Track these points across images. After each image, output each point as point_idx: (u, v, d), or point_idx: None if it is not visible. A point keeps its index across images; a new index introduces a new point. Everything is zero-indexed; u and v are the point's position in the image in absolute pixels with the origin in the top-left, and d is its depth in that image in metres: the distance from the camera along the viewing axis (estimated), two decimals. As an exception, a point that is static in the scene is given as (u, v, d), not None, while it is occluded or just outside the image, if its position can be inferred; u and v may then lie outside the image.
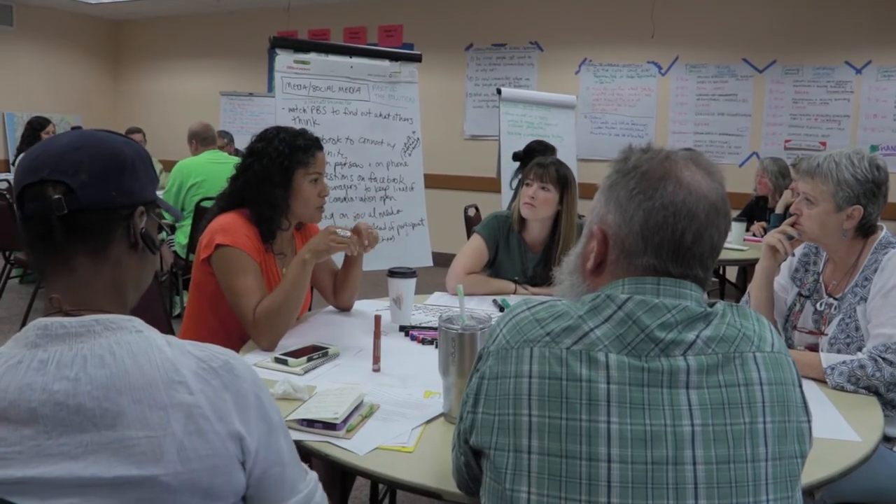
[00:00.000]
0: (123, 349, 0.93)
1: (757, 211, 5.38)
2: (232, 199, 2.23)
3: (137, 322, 0.99)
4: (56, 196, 0.96)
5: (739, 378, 0.97)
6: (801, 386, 1.05)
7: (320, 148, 2.26)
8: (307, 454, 1.44)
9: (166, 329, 2.32)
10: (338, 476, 2.03)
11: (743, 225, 4.62)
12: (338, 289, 2.43)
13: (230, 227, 2.11)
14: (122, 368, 0.91)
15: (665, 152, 1.07)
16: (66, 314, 0.96)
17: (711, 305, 1.03)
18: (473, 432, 1.04)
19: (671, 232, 1.01)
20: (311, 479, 1.11)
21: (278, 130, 2.25)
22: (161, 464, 0.89)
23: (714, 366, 0.97)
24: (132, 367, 0.92)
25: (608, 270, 1.07)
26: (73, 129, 1.14)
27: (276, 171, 2.17)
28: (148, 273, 1.10)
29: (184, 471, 0.90)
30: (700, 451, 0.94)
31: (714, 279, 5.77)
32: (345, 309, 2.45)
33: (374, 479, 1.53)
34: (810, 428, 1.04)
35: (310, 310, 2.48)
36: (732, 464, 0.94)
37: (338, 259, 2.42)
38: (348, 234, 2.11)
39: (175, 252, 5.08)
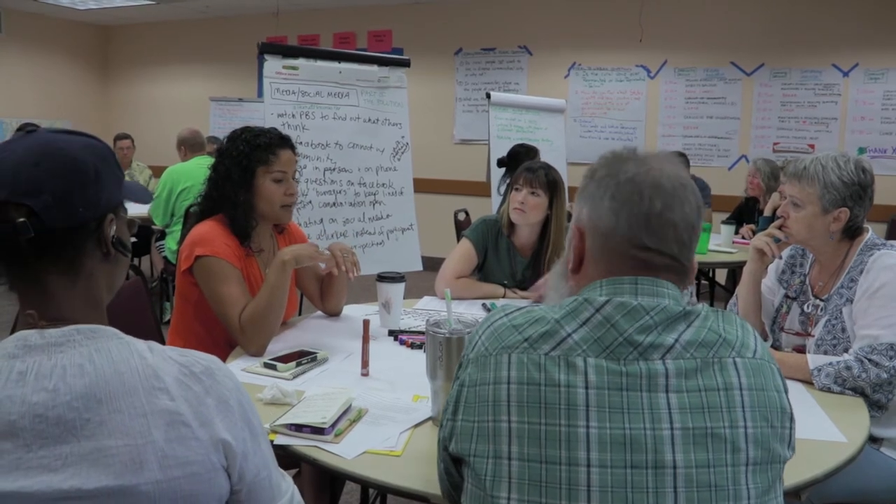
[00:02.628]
0: (103, 356, 0.91)
1: (746, 212, 5.40)
2: (206, 201, 2.24)
3: (118, 332, 0.96)
4: (20, 220, 0.91)
5: (719, 382, 0.97)
6: (786, 392, 1.04)
7: (286, 146, 2.22)
8: (296, 459, 1.44)
9: (156, 335, 2.32)
10: (327, 480, 2.03)
11: (732, 227, 4.64)
12: (324, 295, 2.42)
13: (208, 237, 2.11)
14: (102, 376, 0.89)
15: (633, 150, 1.11)
16: (44, 328, 0.93)
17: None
18: (452, 439, 1.05)
19: (639, 200, 1.03)
20: (289, 480, 1.12)
21: (243, 130, 2.23)
22: (141, 473, 0.88)
23: (693, 370, 0.97)
24: (112, 375, 0.90)
25: (587, 265, 1.09)
26: (28, 129, 1.05)
27: (236, 171, 2.16)
28: (121, 274, 1.07)
29: (164, 479, 0.89)
30: (680, 454, 0.93)
31: (704, 282, 5.78)
32: (333, 314, 2.45)
33: (362, 484, 1.52)
34: (792, 434, 1.03)
35: (299, 314, 2.48)
36: (712, 468, 0.94)
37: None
38: (327, 254, 2.16)
39: (165, 258, 5.07)
